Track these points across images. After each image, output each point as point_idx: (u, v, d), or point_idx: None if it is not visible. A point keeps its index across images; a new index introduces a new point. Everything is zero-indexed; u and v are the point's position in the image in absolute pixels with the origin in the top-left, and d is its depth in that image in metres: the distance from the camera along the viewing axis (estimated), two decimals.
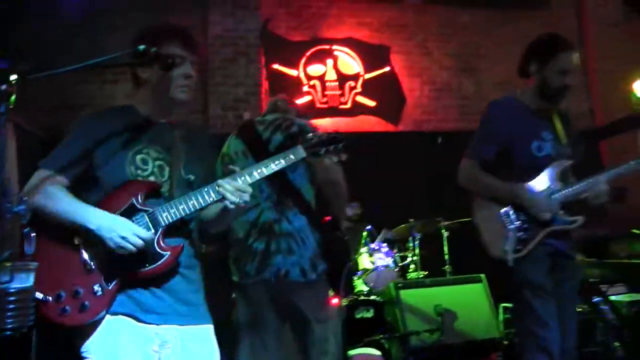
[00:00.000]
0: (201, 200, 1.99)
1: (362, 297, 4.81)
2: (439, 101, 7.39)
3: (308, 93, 7.01)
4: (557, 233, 2.87)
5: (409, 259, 5.09)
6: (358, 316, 4.65)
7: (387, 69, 7.22)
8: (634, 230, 3.13)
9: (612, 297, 4.32)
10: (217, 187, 1.99)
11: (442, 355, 4.22)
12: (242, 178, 2.02)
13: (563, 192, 2.87)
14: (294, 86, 7.00)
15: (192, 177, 2.14)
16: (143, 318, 1.96)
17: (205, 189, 2.01)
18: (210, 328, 2.14)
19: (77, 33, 6.25)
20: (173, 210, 1.97)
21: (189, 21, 6.77)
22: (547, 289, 2.86)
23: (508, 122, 2.97)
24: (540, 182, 2.90)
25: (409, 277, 4.96)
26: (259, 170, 2.06)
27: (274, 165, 2.09)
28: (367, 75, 7.16)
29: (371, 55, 7.23)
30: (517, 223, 2.89)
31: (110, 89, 6.49)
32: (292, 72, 7.04)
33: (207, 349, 2.10)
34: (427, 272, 4.96)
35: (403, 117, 7.17)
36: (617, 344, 4.07)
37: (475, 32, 7.68)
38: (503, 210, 2.93)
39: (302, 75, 7.05)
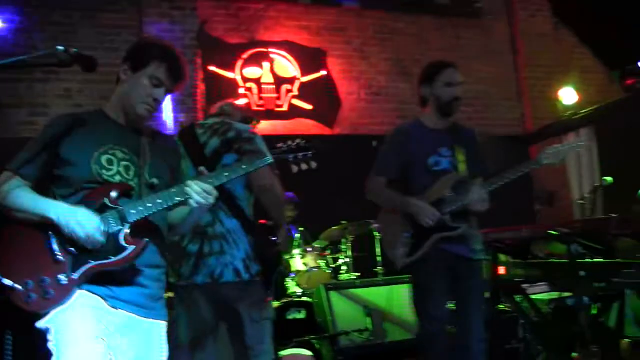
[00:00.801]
0: (168, 200, 2.07)
1: (294, 299, 4.84)
2: (375, 105, 7.50)
3: (244, 96, 6.99)
4: (452, 238, 3.16)
5: (341, 261, 5.12)
6: (290, 317, 4.66)
7: (324, 72, 7.29)
8: (550, 232, 3.23)
9: (534, 296, 4.48)
10: (185, 187, 2.07)
11: (371, 354, 4.28)
12: (210, 180, 2.10)
13: (452, 203, 3.16)
14: (231, 88, 6.97)
15: (155, 181, 2.19)
16: (110, 302, 2.03)
17: (174, 189, 2.09)
18: (165, 325, 2.21)
19: (10, 29, 6.07)
20: (141, 208, 2.04)
21: (124, 21, 6.67)
22: (436, 290, 3.16)
23: (407, 143, 3.30)
24: (435, 194, 3.20)
25: (341, 278, 5.00)
26: (226, 174, 2.14)
27: (241, 170, 2.15)
28: (304, 79, 7.21)
29: (308, 58, 7.28)
30: (410, 232, 3.21)
31: (40, 87, 6.30)
32: (229, 75, 7.01)
33: (160, 344, 2.18)
34: (359, 274, 5.01)
35: (339, 121, 7.25)
36: (537, 340, 4.22)
37: (411, 38, 7.84)
38: (401, 219, 3.25)
39: (238, 78, 7.04)
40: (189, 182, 2.08)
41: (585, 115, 7.06)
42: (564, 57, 8.39)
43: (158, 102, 2.21)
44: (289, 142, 2.23)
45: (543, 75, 8.15)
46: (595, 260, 3.69)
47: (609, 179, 4.68)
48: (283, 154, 2.20)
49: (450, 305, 3.30)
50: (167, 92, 2.22)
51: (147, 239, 2.07)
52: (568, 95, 7.27)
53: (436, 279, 3.18)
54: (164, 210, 2.11)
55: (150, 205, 2.05)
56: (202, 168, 2.17)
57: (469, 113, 7.88)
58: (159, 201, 2.06)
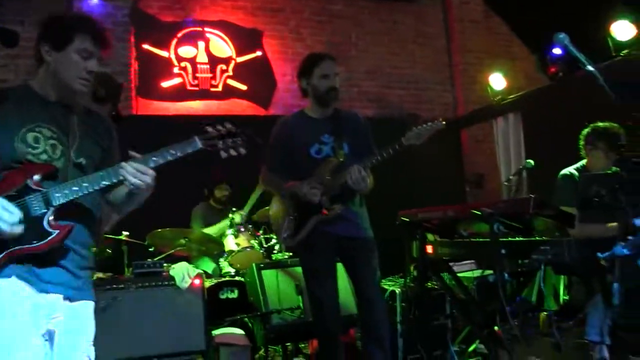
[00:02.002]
0: (94, 183, 2.04)
1: (227, 278, 4.85)
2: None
3: (179, 75, 6.90)
4: (332, 219, 3.38)
5: (274, 240, 5.15)
6: (223, 297, 4.68)
7: (259, 53, 7.26)
8: (474, 211, 3.36)
9: (461, 274, 4.65)
10: (119, 169, 2.05)
11: (302, 332, 4.34)
12: (142, 162, 2.09)
13: (331, 185, 3.36)
14: (165, 67, 6.87)
15: (83, 161, 2.15)
16: (37, 286, 2.01)
17: (102, 173, 2.06)
18: (92, 305, 2.21)
19: None
20: (66, 191, 2.01)
21: None
22: (321, 268, 3.41)
23: (289, 133, 3.53)
24: (315, 179, 3.39)
25: (274, 258, 5.03)
26: (154, 159, 2.12)
27: (170, 156, 2.14)
28: (239, 59, 7.16)
29: (243, 38, 7.23)
30: (295, 215, 3.44)
31: None
32: (163, 53, 6.89)
33: (89, 324, 2.18)
34: (291, 253, 5.05)
35: (274, 101, 7.25)
36: (462, 316, 4.39)
37: (347, 21, 7.89)
38: (286, 205, 3.49)
39: (172, 57, 6.92)
40: (123, 164, 2.06)
41: (512, 101, 7.31)
42: (494, 44, 8.64)
43: (93, 74, 2.17)
44: (219, 127, 2.21)
45: (474, 61, 8.38)
46: (515, 238, 3.86)
47: (531, 161, 4.88)
48: (212, 140, 2.19)
49: None
50: (98, 60, 2.17)
51: (73, 222, 2.04)
52: (497, 81, 7.47)
53: (320, 259, 3.43)
54: (93, 192, 2.08)
55: (76, 188, 2.02)
56: (132, 152, 2.15)
57: (403, 96, 8.05)
58: (85, 184, 2.03)
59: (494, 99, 7.50)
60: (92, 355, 2.16)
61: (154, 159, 2.11)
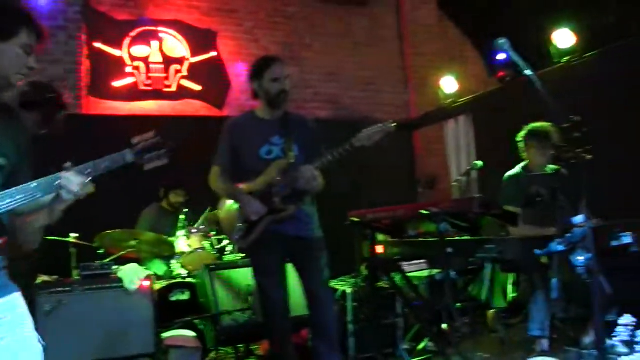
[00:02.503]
0: (29, 195, 1.91)
1: (178, 280, 4.82)
2: None
3: (131, 74, 6.81)
4: (283, 220, 3.40)
5: (226, 242, 5.14)
6: (173, 299, 4.65)
7: (214, 53, 7.23)
8: (422, 211, 3.43)
9: (412, 273, 4.72)
10: (56, 181, 1.93)
11: (253, 333, 4.33)
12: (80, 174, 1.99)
13: (279, 187, 3.38)
14: (117, 66, 6.77)
15: (2, 162, 2.00)
16: None
17: (35, 184, 1.92)
18: (19, 294, 2.10)
19: None
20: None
21: None
22: (271, 268, 3.45)
23: (239, 134, 3.53)
24: (264, 180, 3.41)
25: (225, 259, 5.02)
26: (89, 171, 2.01)
27: (103, 169, 2.05)
28: (193, 59, 7.11)
29: (198, 39, 7.18)
30: (245, 216, 3.42)
31: None
32: (115, 52, 6.79)
33: (26, 314, 2.08)
34: (244, 255, 5.04)
35: (228, 102, 7.22)
36: (412, 314, 4.47)
37: (302, 23, 7.93)
38: (237, 205, 3.48)
39: (125, 56, 6.83)
40: (62, 175, 1.95)
41: (463, 104, 7.47)
42: (447, 47, 8.81)
43: (33, 69, 2.07)
44: (147, 140, 2.19)
45: (427, 64, 8.51)
46: (462, 237, 3.96)
47: (479, 162, 4.99)
48: (141, 153, 2.18)
49: None
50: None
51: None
52: (449, 84, 7.63)
53: (270, 259, 3.46)
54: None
55: (9, 201, 1.89)
56: (68, 164, 2.03)
57: (357, 99, 8.12)
58: (20, 197, 1.90)
59: (446, 101, 7.65)
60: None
61: (89, 171, 2.02)
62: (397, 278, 4.34)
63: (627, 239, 3.48)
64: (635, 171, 4.99)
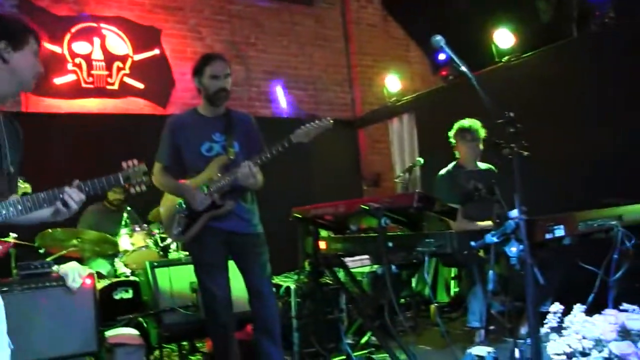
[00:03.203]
0: (36, 204, 2.09)
1: (121, 278, 4.76)
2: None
3: (73, 72, 6.65)
4: (222, 216, 3.43)
5: (170, 239, 5.11)
6: (117, 297, 4.61)
7: (157, 51, 7.14)
8: (363, 207, 3.49)
9: (356, 268, 4.80)
10: (62, 194, 2.09)
11: (197, 330, 4.32)
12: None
13: (219, 183, 3.41)
14: (57, 63, 6.59)
15: (12, 169, 2.15)
16: None
17: (43, 195, 2.08)
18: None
19: None
20: (11, 209, 2.04)
21: None
22: (213, 264, 3.47)
23: (179, 131, 3.54)
24: (205, 176, 3.45)
25: (170, 257, 4.98)
26: (87, 189, 2.20)
27: (99, 189, 2.24)
28: (137, 57, 7.00)
29: (141, 36, 7.07)
30: (185, 212, 3.46)
31: None
32: (56, 49, 6.61)
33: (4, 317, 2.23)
34: (187, 253, 5.01)
35: (172, 101, 7.14)
36: (355, 309, 4.54)
37: (247, 21, 7.91)
38: (177, 201, 3.51)
39: (66, 53, 6.66)
40: (67, 190, 2.11)
41: (407, 102, 7.61)
42: (391, 47, 8.96)
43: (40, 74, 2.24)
44: (135, 166, 2.33)
45: (371, 63, 8.65)
46: (402, 232, 4.04)
47: (420, 159, 5.12)
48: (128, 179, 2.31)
49: None
50: None
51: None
52: (393, 83, 7.76)
53: (211, 254, 3.48)
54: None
55: (20, 207, 2.05)
56: (76, 181, 2.19)
57: (301, 97, 8.17)
58: (29, 204, 2.07)
59: (390, 100, 7.78)
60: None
61: (87, 189, 2.18)
62: (341, 273, 4.40)
63: (559, 231, 3.62)
64: (570, 167, 5.21)
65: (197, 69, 3.55)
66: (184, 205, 3.49)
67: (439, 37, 2.86)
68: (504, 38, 6.12)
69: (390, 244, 3.66)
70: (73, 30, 6.73)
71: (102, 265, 5.08)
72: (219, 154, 3.49)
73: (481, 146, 4.52)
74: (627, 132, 4.89)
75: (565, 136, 5.28)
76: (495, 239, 2.81)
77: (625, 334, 2.74)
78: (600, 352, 2.71)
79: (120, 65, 6.89)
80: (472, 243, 2.99)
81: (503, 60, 6.11)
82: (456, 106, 6.22)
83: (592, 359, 2.70)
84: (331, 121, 3.47)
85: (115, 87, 6.85)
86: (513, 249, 2.73)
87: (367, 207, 3.55)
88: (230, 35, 7.72)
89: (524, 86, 5.66)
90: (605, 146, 4.98)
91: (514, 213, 2.82)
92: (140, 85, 6.97)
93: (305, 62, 8.28)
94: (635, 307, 2.93)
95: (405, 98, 7.65)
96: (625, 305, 2.89)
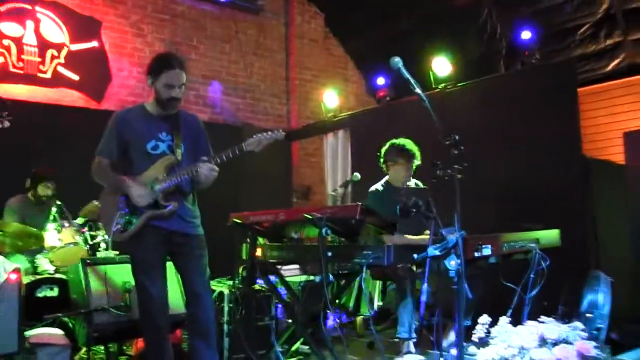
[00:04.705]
0: None
1: (46, 275, 4.58)
2: (145, 84, 7.33)
3: (0, 54, 6.33)
4: (164, 215, 3.41)
5: (99, 238, 4.97)
6: (40, 295, 4.43)
7: (96, 43, 6.95)
8: (306, 215, 3.56)
9: (291, 278, 4.83)
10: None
11: (128, 330, 4.21)
12: None
13: (164, 183, 3.40)
14: None
15: None
16: None
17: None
18: None
19: None
20: None
21: None
22: (152, 263, 3.44)
23: (126, 127, 3.48)
24: (150, 175, 3.42)
25: (99, 256, 4.84)
26: None
27: None
28: (73, 47, 6.79)
29: (79, 26, 6.87)
30: (126, 210, 3.41)
31: None
32: None
33: None
34: (118, 252, 4.89)
35: (107, 96, 6.98)
36: (288, 318, 4.58)
37: (190, 23, 7.87)
38: (117, 198, 3.43)
39: None
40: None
41: (343, 119, 7.77)
42: (330, 63, 9.13)
43: None
44: None
45: (310, 78, 8.79)
46: (341, 242, 4.12)
47: (358, 175, 5.23)
48: None
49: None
50: None
51: None
52: (330, 99, 7.90)
53: (150, 254, 3.44)
54: None
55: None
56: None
57: (238, 104, 8.18)
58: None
59: (327, 115, 7.92)
60: None
61: None
62: (275, 281, 4.42)
63: (487, 250, 3.83)
64: (496, 190, 5.51)
65: (152, 70, 3.46)
66: (122, 203, 3.42)
67: (397, 59, 3.01)
68: (441, 66, 6.39)
69: (330, 254, 3.74)
70: (2, 9, 6.40)
71: (20, 262, 4.81)
72: (164, 153, 3.46)
73: (413, 166, 4.67)
74: (548, 164, 5.34)
75: (494, 163, 5.58)
76: (437, 252, 2.95)
77: (543, 342, 3.13)
78: (522, 358, 3.08)
79: (55, 53, 6.65)
80: (415, 255, 3.12)
81: (440, 87, 6.37)
82: (389, 126, 6.44)
83: None
84: (283, 133, 3.53)
85: (48, 75, 6.60)
86: (452, 263, 2.88)
87: (310, 217, 3.62)
88: (172, 35, 7.64)
89: (459, 113, 5.92)
90: (525, 175, 5.40)
91: (450, 230, 2.98)
92: (75, 77, 6.76)
93: (245, 70, 8.30)
94: (551, 319, 3.30)
95: (341, 115, 7.80)
96: (542, 318, 3.28)
